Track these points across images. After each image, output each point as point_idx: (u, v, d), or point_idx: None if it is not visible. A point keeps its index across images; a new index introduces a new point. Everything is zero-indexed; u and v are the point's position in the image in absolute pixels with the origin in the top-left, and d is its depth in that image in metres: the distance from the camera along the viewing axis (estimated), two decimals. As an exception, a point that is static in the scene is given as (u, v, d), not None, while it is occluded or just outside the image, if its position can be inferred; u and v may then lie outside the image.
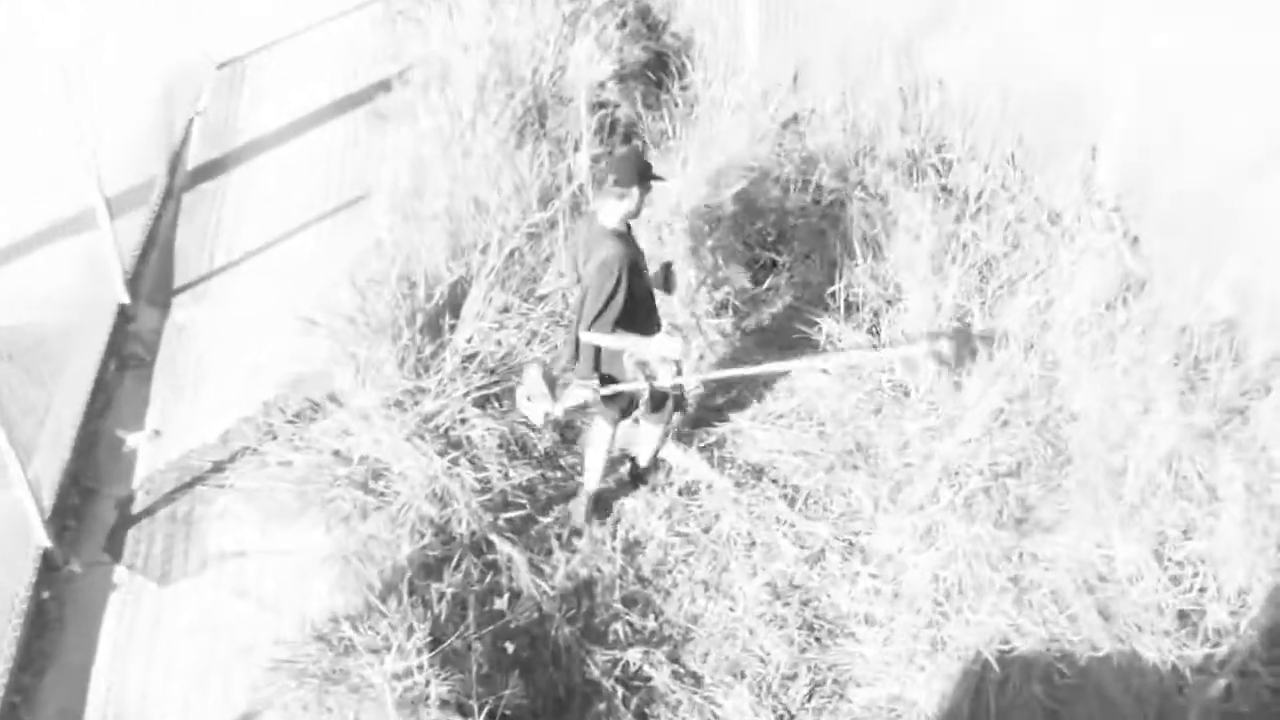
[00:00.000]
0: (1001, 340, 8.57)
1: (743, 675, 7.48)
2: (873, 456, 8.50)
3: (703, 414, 8.82)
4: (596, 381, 7.42)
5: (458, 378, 8.42)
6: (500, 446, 8.32)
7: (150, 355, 9.40)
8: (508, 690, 7.02)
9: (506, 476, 8.18)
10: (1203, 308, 8.50)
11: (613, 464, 8.24)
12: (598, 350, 7.38)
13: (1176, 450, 7.90)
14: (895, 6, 10.67)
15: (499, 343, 8.77)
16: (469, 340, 8.65)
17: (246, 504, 8.18)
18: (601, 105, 10.71)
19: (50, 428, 8.43)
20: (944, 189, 9.81)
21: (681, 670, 7.50)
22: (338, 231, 10.31)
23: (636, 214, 7.33)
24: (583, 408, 7.64)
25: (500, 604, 7.54)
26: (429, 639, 6.99)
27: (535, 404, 7.43)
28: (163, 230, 10.52)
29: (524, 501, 8.13)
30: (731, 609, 7.79)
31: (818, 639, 7.69)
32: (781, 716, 7.36)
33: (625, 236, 7.27)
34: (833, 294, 9.28)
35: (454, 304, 8.85)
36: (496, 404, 8.48)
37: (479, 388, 8.43)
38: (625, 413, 7.80)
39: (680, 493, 8.37)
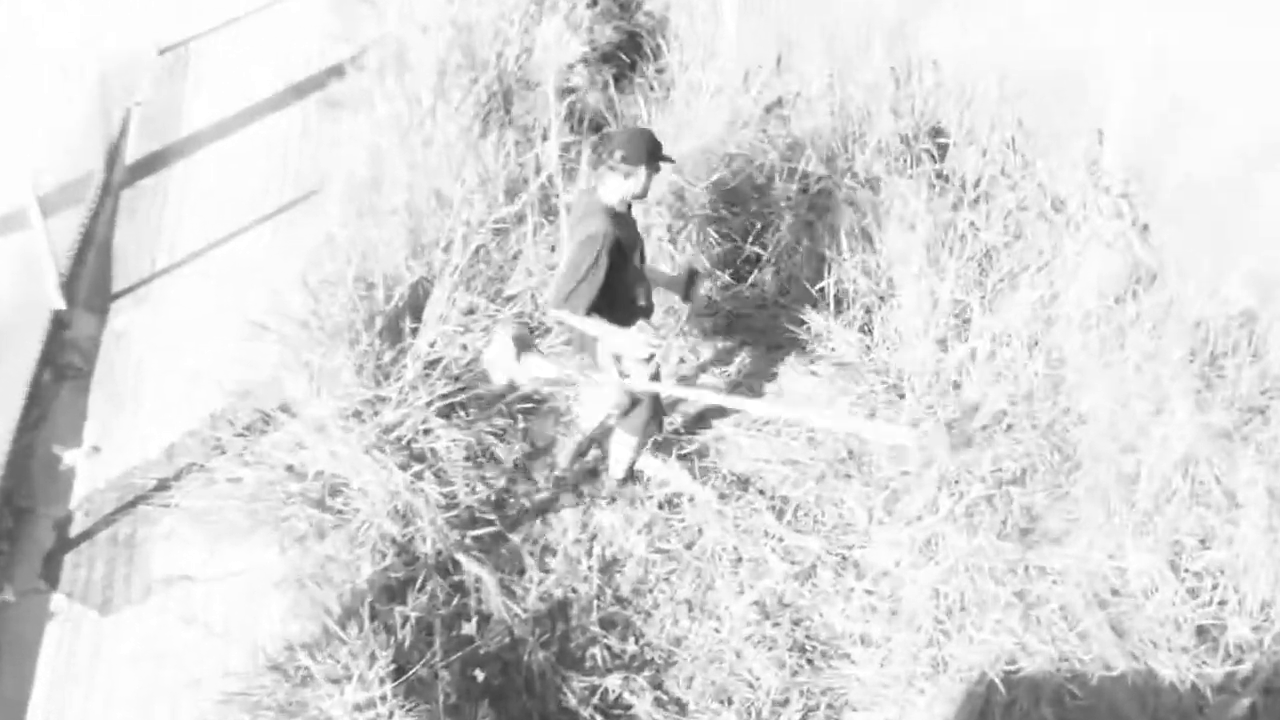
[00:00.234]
0: (1003, 339, 8.58)
1: (730, 701, 7.45)
2: (866, 464, 8.49)
3: (683, 420, 8.79)
4: (578, 363, 7.41)
5: (420, 385, 8.37)
6: (467, 459, 8.29)
7: (88, 365, 9.33)
8: (478, 721, 7.01)
9: (474, 491, 8.15)
10: (1219, 300, 8.48)
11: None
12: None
13: (1193, 453, 7.89)
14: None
15: (464, 347, 8.73)
16: (432, 345, 8.60)
17: (193, 524, 8.11)
18: (571, 90, 10.68)
19: (-21, 445, 8.37)
20: (939, 175, 9.80)
21: (664, 697, 7.47)
22: (288, 229, 10.27)
23: (642, 195, 7.36)
24: (556, 383, 7.63)
25: (469, 628, 7.51)
26: (392, 667, 6.95)
27: (496, 366, 7.41)
28: (100, 230, 10.45)
29: (493, 518, 8.09)
30: (717, 630, 7.76)
31: (810, 661, 7.66)
32: (772, 744, 7.36)
33: (621, 217, 7.28)
34: (821, 289, 9.26)
35: (415, 306, 8.81)
36: (462, 413, 8.44)
37: (443, 396, 8.38)
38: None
39: (660, 506, 8.33)
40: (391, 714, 6.74)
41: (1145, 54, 8.72)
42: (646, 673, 7.55)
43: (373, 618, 7.23)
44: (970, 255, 9.16)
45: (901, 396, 8.72)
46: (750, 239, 9.70)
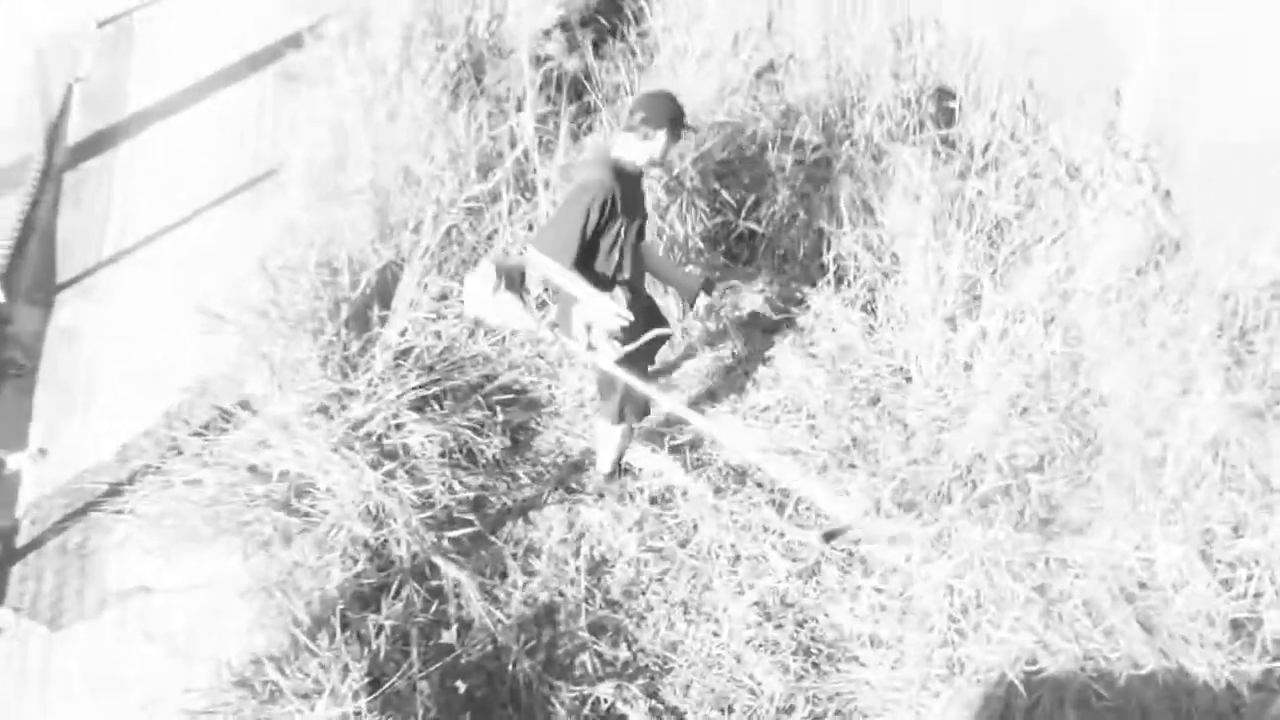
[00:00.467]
0: (1017, 316, 8.58)
1: (731, 709, 7.46)
2: (872, 453, 8.51)
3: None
4: (550, 321, 7.43)
5: (390, 377, 8.37)
6: (443, 455, 8.29)
7: (32, 362, 9.30)
8: (460, 736, 7.01)
9: (451, 489, 8.14)
10: (1248, 269, 8.51)
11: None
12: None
13: (1223, 435, 7.92)
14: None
15: (437, 335, 8.74)
16: (402, 334, 8.61)
17: (149, 531, 8.07)
18: (547, 57, 10.64)
19: (-84, 449, 8.35)
20: (945, 142, 9.80)
21: (660, 706, 7.47)
22: (245, 212, 10.26)
23: (660, 162, 7.35)
24: (526, 335, 7.62)
25: (448, 637, 7.50)
26: (367, 680, 6.94)
27: (472, 295, 7.41)
28: (41, 216, 10.42)
29: (472, 518, 8.08)
30: (715, 634, 7.77)
31: (816, 665, 7.67)
32: (777, 755, 7.37)
33: (627, 176, 7.24)
34: (821, 266, 9.26)
35: (383, 292, 8.81)
36: (437, 406, 8.43)
37: (416, 388, 8.38)
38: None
39: (652, 501, 8.35)
40: (367, 730, 6.75)
41: (1166, 7, 8.72)
42: (640, 681, 7.54)
43: (344, 627, 7.21)
44: (980, 227, 9.16)
45: (909, 379, 8.74)
46: (743, 213, 9.68)
